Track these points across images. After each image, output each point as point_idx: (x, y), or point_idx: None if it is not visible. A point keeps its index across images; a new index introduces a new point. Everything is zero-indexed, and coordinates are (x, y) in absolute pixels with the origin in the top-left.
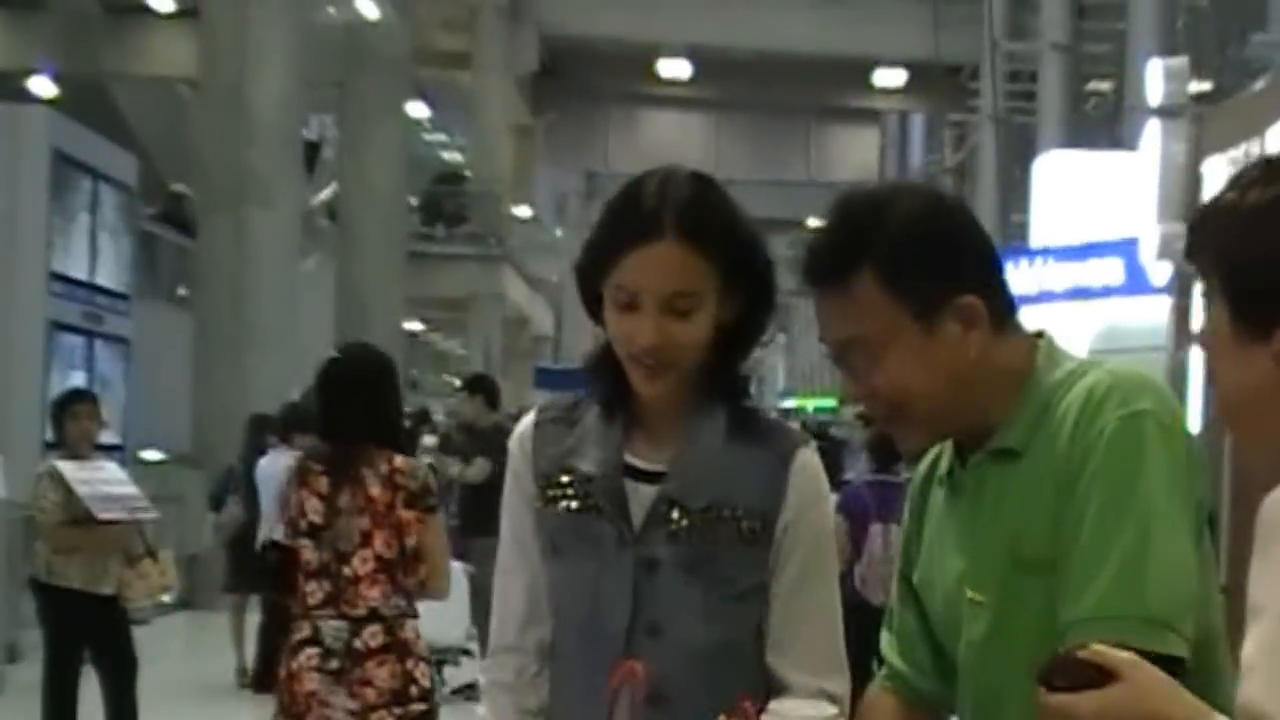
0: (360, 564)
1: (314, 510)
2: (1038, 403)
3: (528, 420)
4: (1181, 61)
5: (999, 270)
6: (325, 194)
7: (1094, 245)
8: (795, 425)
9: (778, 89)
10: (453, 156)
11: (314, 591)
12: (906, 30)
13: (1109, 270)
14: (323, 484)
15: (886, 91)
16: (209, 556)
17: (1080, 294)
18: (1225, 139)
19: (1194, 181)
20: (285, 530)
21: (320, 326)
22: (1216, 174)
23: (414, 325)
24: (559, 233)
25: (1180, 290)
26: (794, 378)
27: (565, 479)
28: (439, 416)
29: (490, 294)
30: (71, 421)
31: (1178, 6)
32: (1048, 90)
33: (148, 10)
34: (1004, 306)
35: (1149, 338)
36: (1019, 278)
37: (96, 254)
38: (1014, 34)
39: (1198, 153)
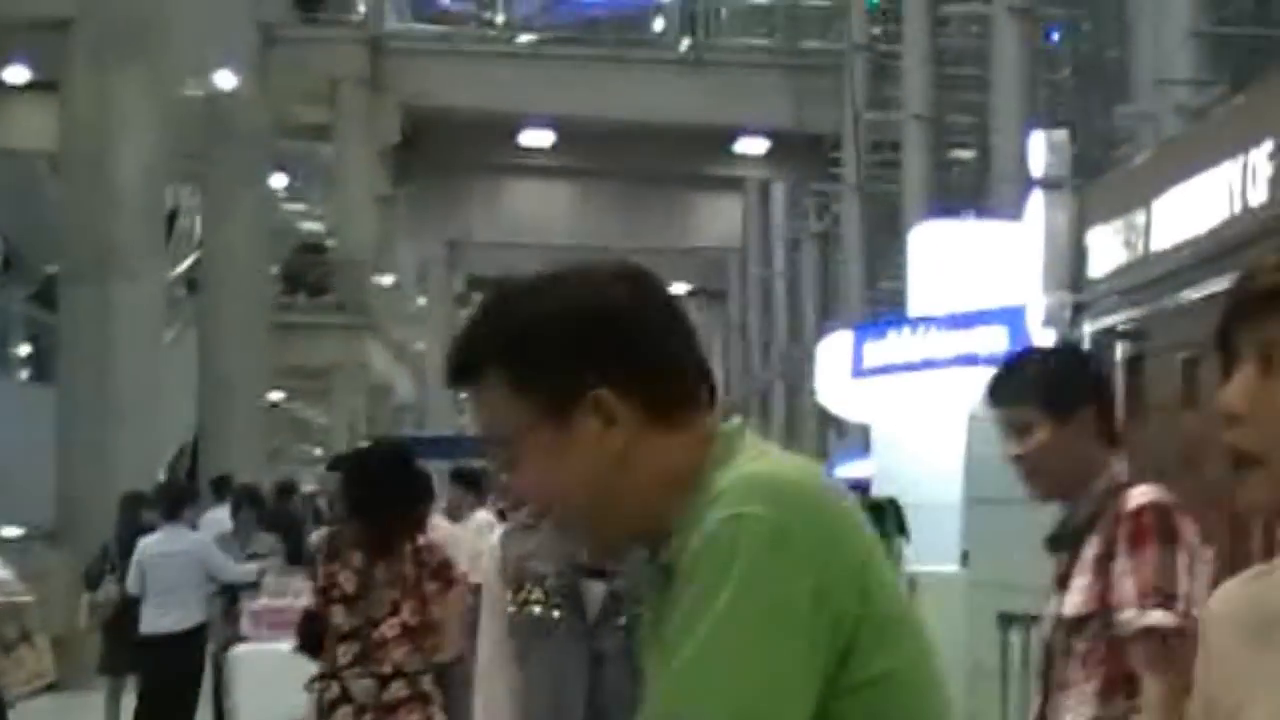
0: (389, 629)
1: (347, 581)
2: (698, 508)
3: (498, 531)
4: (1063, 134)
5: (670, 361)
6: (184, 265)
7: (978, 314)
8: None
9: (642, 157)
10: (315, 227)
11: (345, 652)
12: (769, 100)
13: (993, 338)
14: (356, 558)
15: (749, 160)
16: (81, 636)
17: (964, 361)
18: (1108, 210)
19: (1077, 251)
20: (317, 599)
21: (183, 399)
22: (1100, 244)
23: (276, 395)
24: (421, 301)
25: None
26: None
27: (528, 584)
28: (309, 487)
29: (354, 363)
30: None
31: (1039, 79)
32: (910, 160)
33: (3, 84)
34: (675, 400)
35: None
36: (900, 346)
37: None
38: (875, 105)
39: (1081, 223)
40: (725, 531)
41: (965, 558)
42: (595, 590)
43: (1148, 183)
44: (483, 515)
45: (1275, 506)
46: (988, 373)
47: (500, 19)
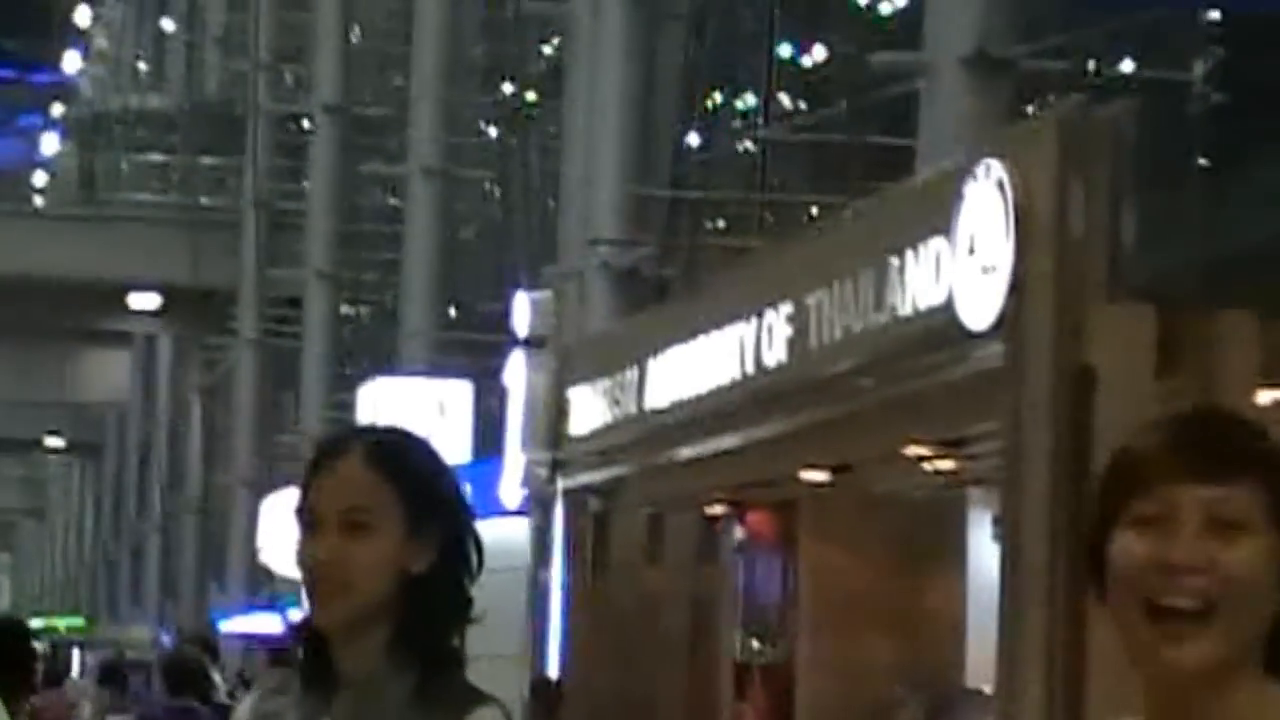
0: None
1: None
2: None
3: (254, 693)
4: (548, 296)
5: None
6: None
7: None
8: None
9: (34, 311)
10: None
11: None
12: (164, 255)
13: None
14: None
15: (141, 314)
16: None
17: None
18: (593, 369)
19: (557, 411)
20: None
21: None
22: (583, 403)
23: None
24: None
25: (541, 513)
26: (23, 596)
27: None
28: None
29: None
30: None
31: (447, 237)
32: (312, 315)
33: None
34: None
35: (504, 559)
36: None
37: None
38: (275, 261)
39: (561, 382)
40: None
41: None
42: None
43: (641, 343)
44: None
45: None
46: None
47: None
